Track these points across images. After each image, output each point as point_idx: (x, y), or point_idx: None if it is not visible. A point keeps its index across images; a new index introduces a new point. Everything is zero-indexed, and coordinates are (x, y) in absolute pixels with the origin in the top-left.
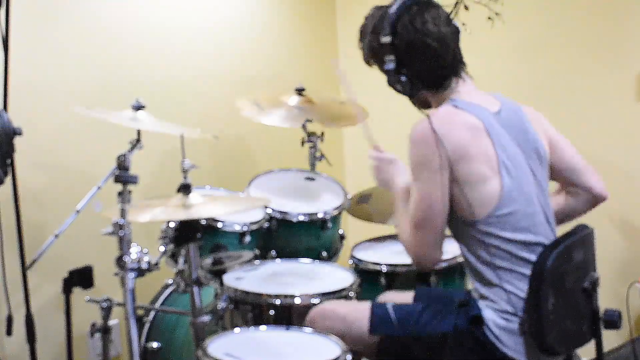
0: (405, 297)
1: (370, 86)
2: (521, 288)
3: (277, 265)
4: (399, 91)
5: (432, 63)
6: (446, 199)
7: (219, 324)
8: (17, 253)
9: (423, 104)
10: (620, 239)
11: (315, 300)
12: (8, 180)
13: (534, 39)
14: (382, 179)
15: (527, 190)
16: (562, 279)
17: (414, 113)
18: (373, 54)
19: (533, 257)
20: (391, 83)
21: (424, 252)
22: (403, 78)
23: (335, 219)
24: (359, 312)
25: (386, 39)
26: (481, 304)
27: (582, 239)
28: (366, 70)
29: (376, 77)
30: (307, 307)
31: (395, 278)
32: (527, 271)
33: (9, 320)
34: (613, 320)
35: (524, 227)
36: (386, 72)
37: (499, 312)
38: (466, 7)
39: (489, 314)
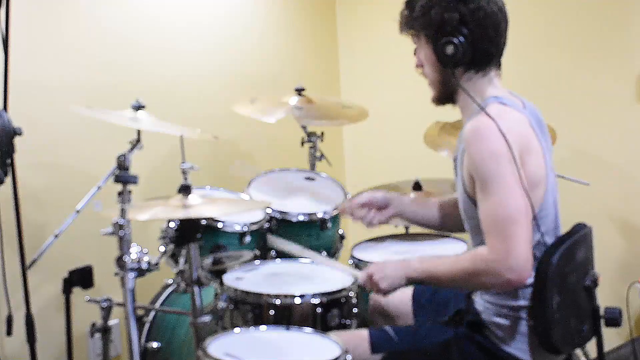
0: (402, 291)
1: (371, 86)
2: (528, 289)
3: (277, 265)
4: (445, 54)
5: (490, 35)
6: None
7: (219, 324)
8: (17, 253)
9: (447, 97)
10: (620, 239)
11: (315, 300)
12: (8, 180)
13: (534, 38)
14: (393, 278)
15: (555, 192)
16: (566, 278)
17: (415, 113)
18: (426, 11)
19: None
20: (443, 43)
21: (522, 254)
22: (456, 40)
23: (335, 219)
24: (357, 338)
25: None
26: (481, 306)
27: (584, 237)
28: (367, 70)
29: (377, 77)
30: (307, 307)
31: None
32: None
33: (9, 320)
34: (614, 318)
35: (551, 229)
36: (440, 29)
37: (501, 314)
38: None
39: (489, 317)
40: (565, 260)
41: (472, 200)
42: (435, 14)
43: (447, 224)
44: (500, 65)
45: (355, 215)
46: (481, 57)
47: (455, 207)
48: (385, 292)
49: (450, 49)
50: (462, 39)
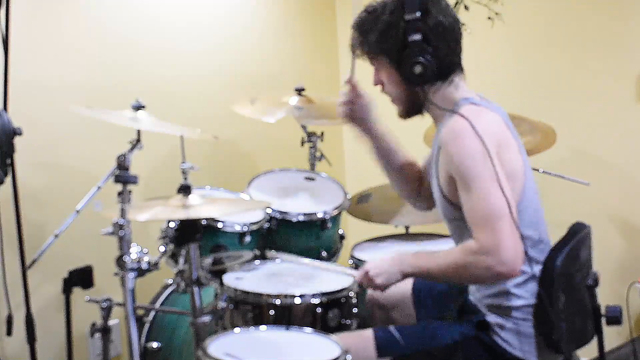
0: (404, 284)
1: (371, 86)
2: (528, 289)
3: (277, 265)
4: (412, 74)
5: (452, 47)
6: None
7: (219, 324)
8: (17, 253)
9: (414, 109)
10: (620, 239)
11: (315, 300)
12: (8, 180)
13: (534, 38)
14: (388, 274)
15: (533, 184)
16: (571, 278)
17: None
18: (384, 35)
19: (538, 256)
20: (410, 64)
21: (512, 247)
22: (423, 59)
23: (335, 219)
24: (363, 341)
25: (415, 15)
26: (484, 308)
27: (585, 237)
28: (367, 71)
29: None
30: (307, 307)
31: None
32: (530, 270)
33: (9, 320)
34: (615, 317)
35: (533, 222)
36: (404, 51)
37: (505, 315)
38: (466, 7)
39: (493, 319)
40: (570, 260)
41: (451, 203)
42: (395, 35)
43: (405, 180)
44: (462, 69)
45: (344, 97)
46: (445, 69)
47: (417, 174)
48: (382, 288)
49: (418, 69)
50: (428, 57)
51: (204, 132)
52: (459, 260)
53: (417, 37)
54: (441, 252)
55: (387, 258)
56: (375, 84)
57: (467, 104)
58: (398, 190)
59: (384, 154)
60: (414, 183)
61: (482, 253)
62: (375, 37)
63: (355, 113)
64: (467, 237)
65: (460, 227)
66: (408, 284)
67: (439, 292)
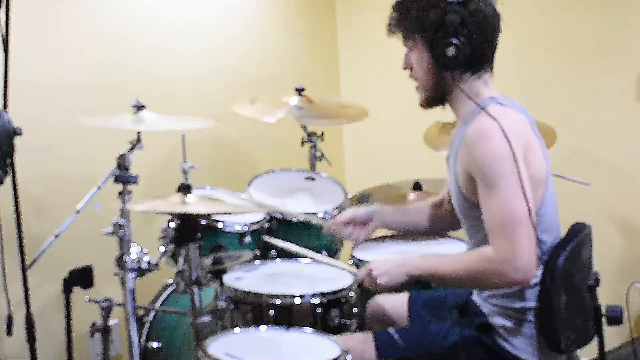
0: (399, 298)
1: (371, 86)
2: (536, 291)
3: (277, 265)
4: (444, 56)
5: (487, 38)
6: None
7: (219, 324)
8: (17, 253)
9: (438, 99)
10: (620, 239)
11: (315, 300)
12: (8, 180)
13: (534, 39)
14: (393, 274)
15: (553, 189)
16: (572, 278)
17: (415, 113)
18: (424, 12)
19: None
20: (443, 45)
21: (527, 254)
22: (457, 42)
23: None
24: (363, 343)
25: None
26: (487, 309)
27: (586, 237)
28: (367, 70)
29: (377, 77)
30: (307, 307)
31: None
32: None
33: (9, 320)
34: (616, 316)
35: (549, 228)
36: (439, 31)
37: (511, 317)
38: None
39: (497, 320)
40: (571, 260)
41: (469, 201)
42: (434, 15)
43: (433, 226)
44: (492, 67)
45: (341, 234)
46: (478, 59)
47: (437, 208)
48: (384, 289)
49: (451, 51)
50: (463, 40)
51: (204, 133)
52: (473, 267)
53: (455, 19)
54: (453, 256)
55: (392, 259)
56: (405, 68)
57: (493, 103)
58: (442, 230)
59: (413, 222)
60: (448, 219)
61: (497, 260)
62: (416, 13)
63: (363, 229)
64: (481, 236)
65: (474, 226)
66: (403, 299)
67: (434, 305)
